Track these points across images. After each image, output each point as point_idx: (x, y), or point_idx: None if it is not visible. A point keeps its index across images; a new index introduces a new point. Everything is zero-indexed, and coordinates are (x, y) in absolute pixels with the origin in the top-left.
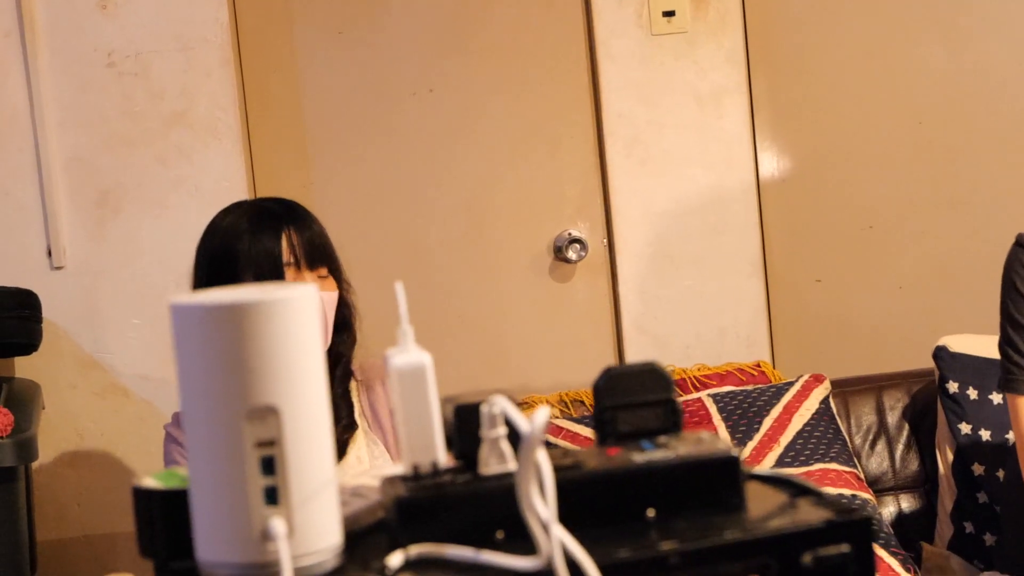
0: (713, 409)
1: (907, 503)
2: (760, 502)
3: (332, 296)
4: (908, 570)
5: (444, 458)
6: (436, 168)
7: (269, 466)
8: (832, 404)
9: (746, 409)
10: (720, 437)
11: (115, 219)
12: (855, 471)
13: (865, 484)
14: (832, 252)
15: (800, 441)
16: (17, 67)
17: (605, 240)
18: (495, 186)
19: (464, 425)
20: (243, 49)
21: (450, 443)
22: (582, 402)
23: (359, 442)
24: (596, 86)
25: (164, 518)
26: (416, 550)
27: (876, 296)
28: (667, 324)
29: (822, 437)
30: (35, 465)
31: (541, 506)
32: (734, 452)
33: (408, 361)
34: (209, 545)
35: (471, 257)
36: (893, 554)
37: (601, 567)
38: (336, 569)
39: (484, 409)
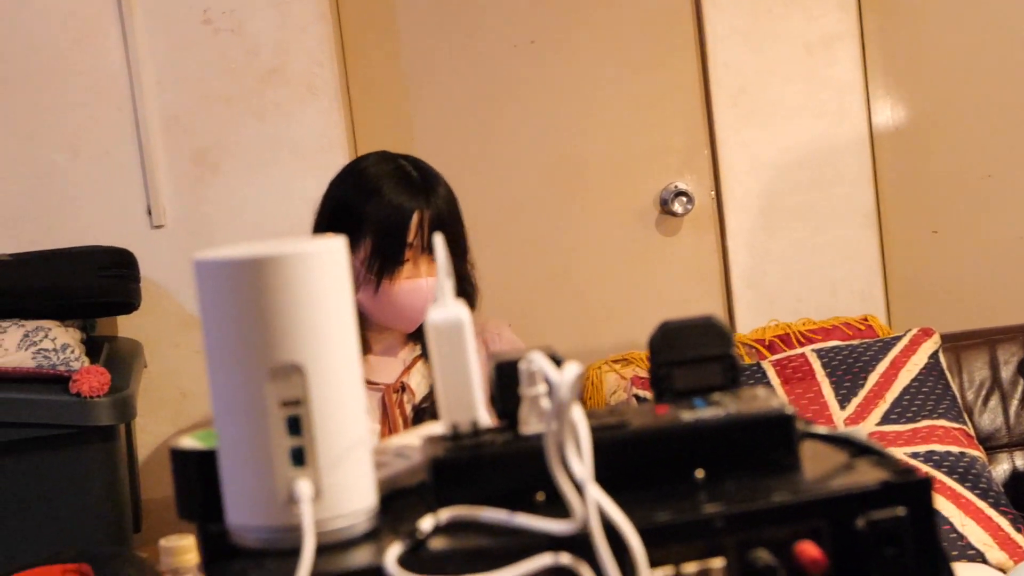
0: (817, 365)
1: (1022, 461)
2: (816, 462)
3: (436, 283)
4: (1019, 530)
5: (485, 417)
6: (538, 122)
7: (295, 426)
8: (942, 359)
9: (851, 365)
10: (776, 394)
11: (213, 177)
12: (964, 427)
13: (975, 441)
14: (949, 202)
15: (907, 397)
16: (114, 27)
17: (712, 193)
18: (599, 139)
19: (505, 383)
20: (340, 3)
21: (493, 402)
22: None
23: None
24: (701, 35)
25: (201, 479)
26: (449, 513)
27: (994, 247)
28: (777, 279)
29: (930, 393)
30: (138, 424)
31: (577, 465)
32: (788, 410)
33: (445, 316)
34: (237, 508)
35: (574, 212)
36: (1003, 513)
37: (641, 531)
38: (367, 533)
39: (522, 366)
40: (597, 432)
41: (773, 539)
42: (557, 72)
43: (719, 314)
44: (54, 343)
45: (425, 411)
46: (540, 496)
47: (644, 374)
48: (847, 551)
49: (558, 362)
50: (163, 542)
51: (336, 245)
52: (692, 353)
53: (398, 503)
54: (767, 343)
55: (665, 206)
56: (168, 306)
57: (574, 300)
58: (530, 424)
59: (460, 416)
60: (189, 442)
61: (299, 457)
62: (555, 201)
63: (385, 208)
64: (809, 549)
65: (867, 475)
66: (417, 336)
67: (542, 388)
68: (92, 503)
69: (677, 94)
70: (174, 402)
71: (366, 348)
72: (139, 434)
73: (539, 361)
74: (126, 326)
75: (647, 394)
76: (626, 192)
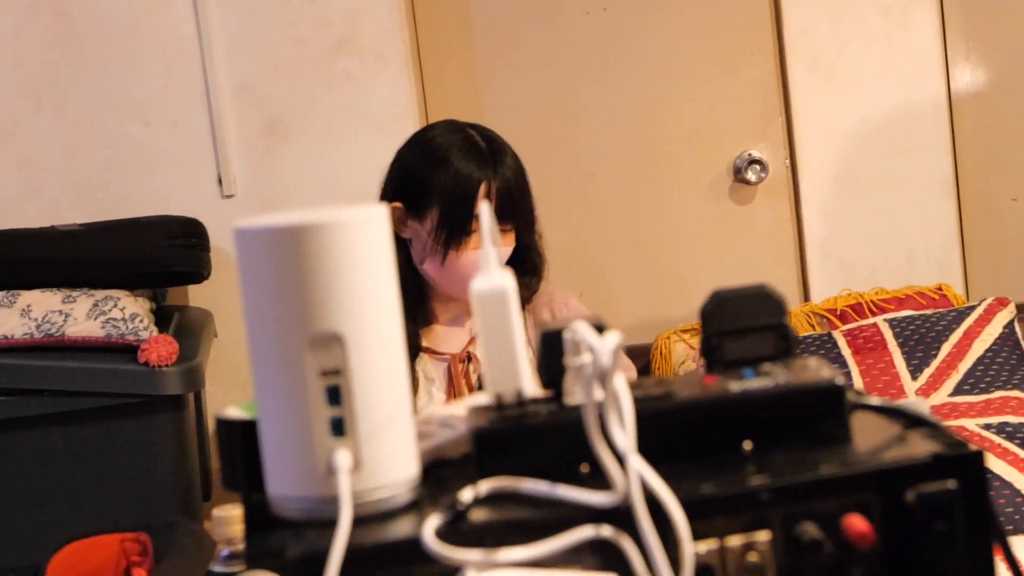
0: (889, 335)
1: None
2: (868, 434)
3: (505, 253)
4: None
5: (530, 387)
6: (610, 90)
7: (335, 396)
8: (1018, 329)
9: (924, 335)
10: (826, 364)
11: (283, 147)
12: None
13: None
14: None
15: (980, 368)
16: None
17: (787, 161)
18: (671, 106)
19: (550, 353)
20: None
21: (540, 372)
22: None
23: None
24: (776, 1)
25: (245, 449)
26: (490, 484)
27: None
28: (852, 247)
29: (1004, 363)
30: (208, 393)
31: (619, 436)
32: (838, 380)
33: (490, 285)
34: (278, 478)
35: (646, 180)
36: None
37: (684, 503)
38: (407, 504)
39: (566, 335)
40: (641, 403)
41: (820, 513)
42: (629, 39)
43: (792, 284)
44: (123, 312)
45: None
46: (584, 468)
47: None
48: (896, 525)
49: (602, 330)
50: (216, 512)
51: (377, 212)
52: (744, 323)
53: (441, 474)
54: (839, 312)
55: (739, 174)
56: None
57: (646, 270)
58: (575, 394)
59: (504, 386)
60: (234, 411)
61: (339, 427)
62: (627, 170)
63: (452, 178)
64: (857, 523)
65: (918, 447)
66: None
67: (587, 358)
68: (161, 472)
69: (752, 61)
70: (244, 371)
71: (432, 318)
72: (209, 403)
73: (582, 330)
74: (197, 296)
75: None
76: (699, 160)
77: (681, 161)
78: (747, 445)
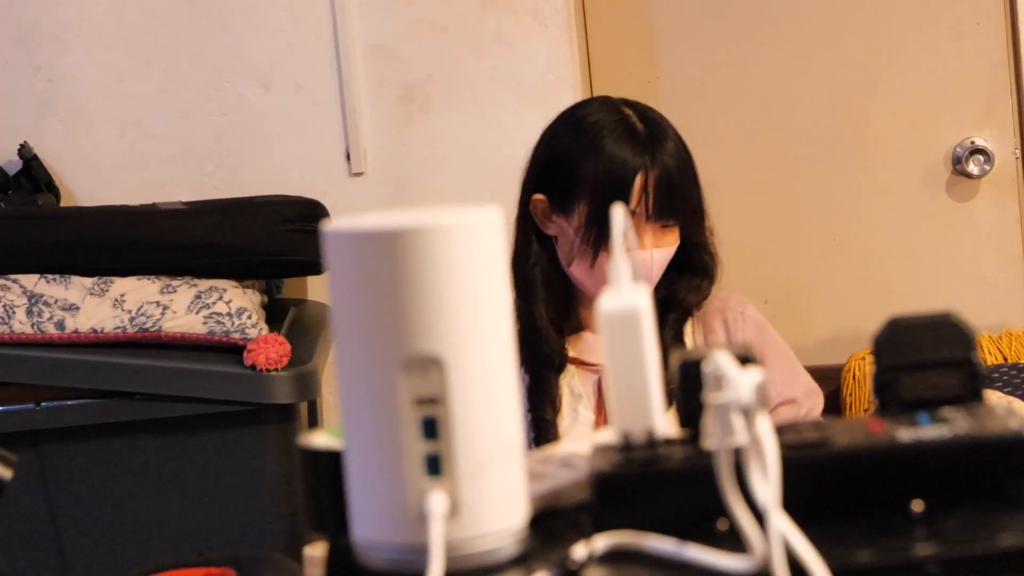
0: None
1: None
2: None
3: (666, 254)
4: None
5: (662, 425)
6: (808, 63)
7: (431, 429)
8: None
9: None
10: (1018, 412)
11: (423, 118)
12: None
13: None
14: None
15: None
16: None
17: (1017, 151)
18: (881, 84)
19: (688, 386)
20: None
21: (677, 408)
22: None
23: None
24: None
25: (332, 484)
26: (607, 539)
27: None
28: None
29: None
30: (325, 402)
31: (760, 489)
32: None
33: (619, 304)
34: (363, 521)
35: (849, 169)
36: None
37: (835, 572)
38: (513, 558)
39: (706, 368)
40: (791, 450)
41: None
42: (831, 5)
43: (1020, 295)
44: (228, 307)
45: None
46: (722, 525)
47: None
48: None
49: (747, 361)
50: (307, 550)
51: (488, 216)
52: (924, 357)
53: (556, 524)
54: None
55: (958, 165)
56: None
57: (844, 275)
58: (714, 438)
59: (633, 424)
60: (323, 439)
61: (434, 465)
62: (824, 157)
63: (603, 167)
64: None
65: None
66: None
67: (731, 394)
68: (262, 494)
69: (978, 33)
70: None
71: (582, 325)
72: (326, 414)
73: (722, 361)
74: (317, 289)
75: None
76: (911, 148)
77: (889, 149)
78: (916, 505)
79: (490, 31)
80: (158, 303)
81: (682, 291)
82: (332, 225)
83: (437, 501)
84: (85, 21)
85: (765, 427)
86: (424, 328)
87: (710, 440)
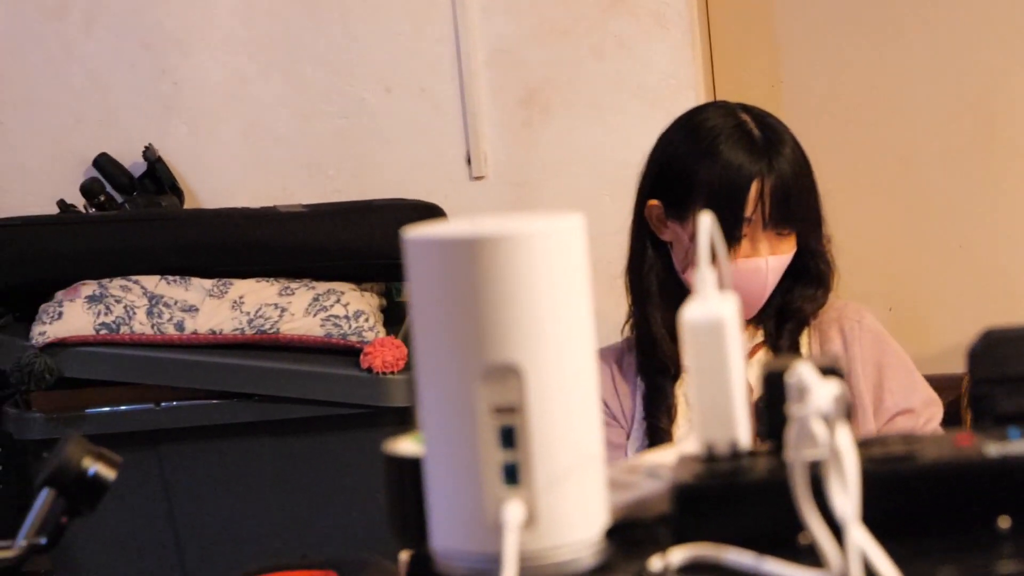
0: None
1: None
2: None
3: (782, 261)
4: None
5: (747, 437)
6: (934, 66)
7: (509, 438)
8: None
9: None
10: None
11: (544, 121)
12: None
13: None
14: None
15: None
16: None
17: None
18: (1008, 88)
19: (773, 397)
20: None
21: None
22: None
23: None
24: None
25: (414, 491)
26: (685, 552)
27: None
28: None
29: None
30: None
31: (840, 501)
32: None
33: (704, 313)
34: (442, 529)
35: (975, 175)
36: None
37: None
38: (593, 568)
39: (789, 379)
40: (876, 464)
41: None
42: (958, 8)
43: None
44: (346, 309)
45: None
46: (804, 538)
47: None
48: None
49: (833, 373)
50: (403, 556)
51: (570, 224)
52: (1020, 370)
53: (638, 533)
54: None
55: None
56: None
57: (971, 282)
58: (799, 450)
59: (717, 434)
60: (407, 445)
61: (512, 474)
62: (951, 163)
63: (719, 172)
64: None
65: None
66: (758, 321)
67: (810, 406)
68: (375, 498)
69: None
70: None
71: None
72: None
73: (804, 372)
74: None
75: None
76: None
77: (1017, 153)
78: (1003, 522)
79: (611, 34)
80: (276, 305)
81: (798, 300)
82: (412, 232)
83: (513, 510)
84: (209, 24)
85: (845, 439)
86: (502, 337)
87: (791, 452)
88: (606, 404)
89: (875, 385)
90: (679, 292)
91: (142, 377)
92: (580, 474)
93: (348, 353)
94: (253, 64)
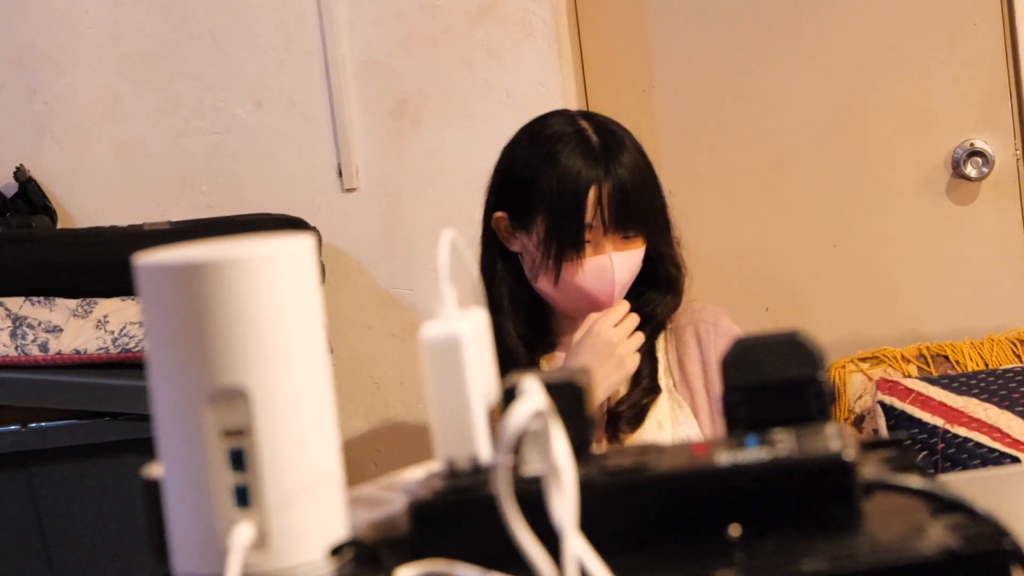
0: None
1: None
2: (885, 520)
3: (629, 258)
4: None
5: (487, 452)
6: (804, 68)
7: (239, 460)
8: None
9: None
10: (844, 433)
11: (414, 132)
12: None
13: None
14: None
15: None
16: None
17: (1018, 152)
18: (878, 88)
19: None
20: None
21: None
22: (945, 357)
23: (661, 405)
24: None
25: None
26: (414, 570)
27: None
28: None
29: None
30: None
31: (559, 509)
32: (847, 455)
33: (440, 331)
34: (181, 553)
35: (848, 174)
36: None
37: None
38: None
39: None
40: (608, 476)
41: None
42: (826, 10)
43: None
44: None
45: (620, 416)
46: None
47: (894, 376)
48: None
49: (572, 389)
50: None
51: (296, 246)
52: (768, 377)
53: (382, 551)
54: None
55: (958, 168)
56: (360, 281)
57: (845, 281)
58: (532, 464)
59: (457, 450)
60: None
61: (243, 497)
62: (823, 163)
63: (558, 180)
64: None
65: (934, 540)
66: None
67: (515, 419)
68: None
69: (975, 32)
70: (367, 393)
71: (556, 343)
72: None
73: (529, 386)
74: None
75: (895, 401)
76: (910, 152)
77: (888, 153)
78: (734, 530)
79: (480, 43)
80: (140, 324)
81: (650, 304)
82: (141, 257)
83: (240, 533)
84: (79, 43)
85: (564, 453)
86: (229, 360)
87: (529, 467)
88: None
89: None
90: (534, 302)
91: (7, 399)
92: (313, 495)
93: None
94: (124, 81)
